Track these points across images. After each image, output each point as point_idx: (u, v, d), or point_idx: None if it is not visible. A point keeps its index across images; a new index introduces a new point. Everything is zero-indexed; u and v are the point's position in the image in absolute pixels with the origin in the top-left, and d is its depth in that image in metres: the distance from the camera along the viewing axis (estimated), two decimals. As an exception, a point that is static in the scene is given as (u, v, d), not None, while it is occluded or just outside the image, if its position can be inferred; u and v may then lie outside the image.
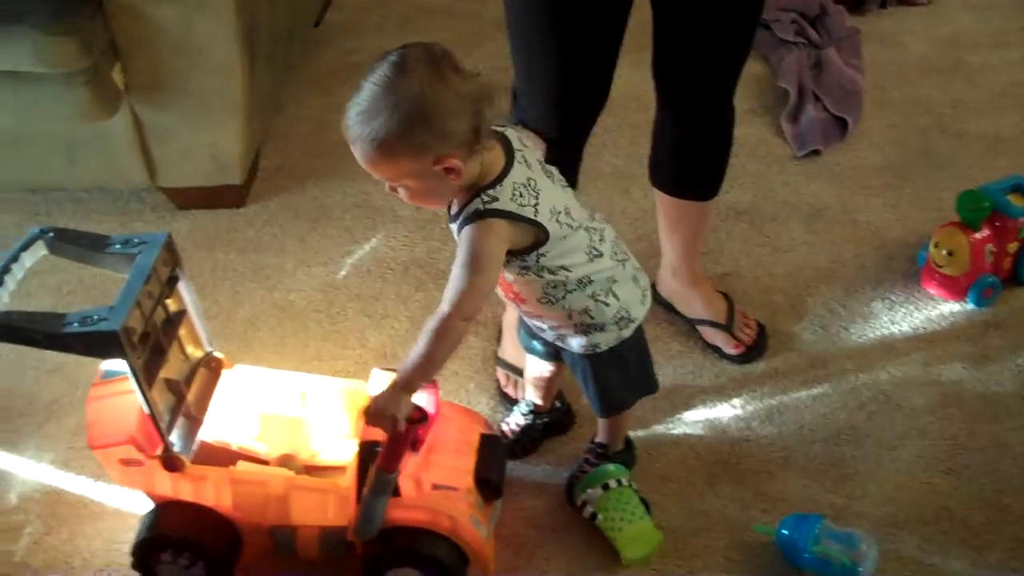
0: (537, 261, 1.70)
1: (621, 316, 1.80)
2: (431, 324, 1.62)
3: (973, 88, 3.16)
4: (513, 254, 1.68)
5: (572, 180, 2.11)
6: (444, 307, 1.61)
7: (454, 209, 1.69)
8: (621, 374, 1.88)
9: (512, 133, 1.71)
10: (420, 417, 1.68)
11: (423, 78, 1.55)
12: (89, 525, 2.01)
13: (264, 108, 2.83)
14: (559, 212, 1.69)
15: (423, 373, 1.65)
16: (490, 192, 1.63)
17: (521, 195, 1.65)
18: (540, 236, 1.66)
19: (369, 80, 1.59)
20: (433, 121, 1.55)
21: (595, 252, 1.75)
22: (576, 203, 1.75)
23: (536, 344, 1.97)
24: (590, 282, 1.74)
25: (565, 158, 1.96)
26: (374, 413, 1.62)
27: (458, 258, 1.63)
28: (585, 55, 1.95)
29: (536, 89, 2.01)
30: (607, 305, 1.77)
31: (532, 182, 1.67)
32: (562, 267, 1.72)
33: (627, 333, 1.82)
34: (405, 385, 1.63)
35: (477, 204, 1.62)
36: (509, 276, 1.74)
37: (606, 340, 1.81)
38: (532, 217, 1.64)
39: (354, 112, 1.59)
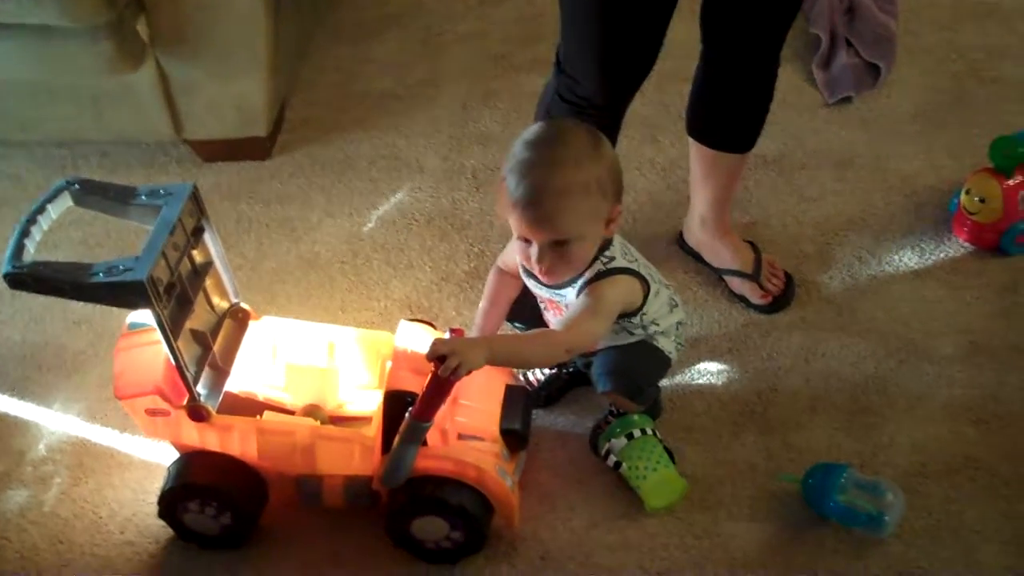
0: (641, 320, 1.94)
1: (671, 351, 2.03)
2: (545, 333, 1.84)
3: (1008, 33, 3.10)
4: (620, 316, 1.89)
5: (612, 142, 2.12)
6: (561, 332, 1.80)
7: (566, 277, 1.87)
8: (646, 364, 1.99)
9: None
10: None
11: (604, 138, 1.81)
12: (116, 475, 2.03)
13: (289, 59, 2.83)
14: (650, 268, 1.95)
15: (510, 357, 1.81)
16: (606, 254, 1.85)
17: (627, 253, 1.90)
18: (646, 291, 1.90)
19: (563, 146, 1.75)
20: (620, 175, 1.81)
21: (673, 303, 2.01)
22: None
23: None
24: (668, 328, 2.00)
25: (609, 123, 2.00)
26: (448, 351, 1.63)
27: (582, 303, 1.82)
28: (638, 22, 1.92)
29: (588, 58, 1.98)
30: (666, 337, 2.01)
31: (625, 244, 1.92)
32: (653, 322, 1.96)
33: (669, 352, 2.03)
34: (491, 352, 1.69)
35: (597, 267, 1.84)
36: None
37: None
38: (639, 272, 1.88)
39: (564, 168, 1.73)
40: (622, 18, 1.90)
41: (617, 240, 1.89)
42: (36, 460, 2.07)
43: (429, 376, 1.67)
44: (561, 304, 1.91)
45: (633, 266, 1.88)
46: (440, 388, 1.68)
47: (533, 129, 1.82)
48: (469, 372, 1.65)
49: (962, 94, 2.88)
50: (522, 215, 1.74)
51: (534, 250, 1.78)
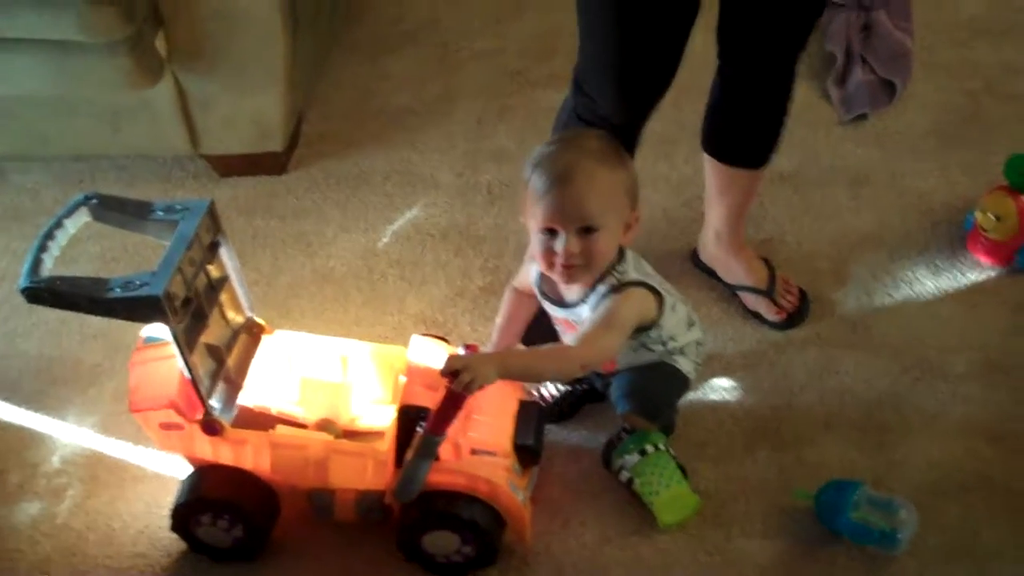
0: (658, 335, 1.94)
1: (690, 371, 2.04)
2: (559, 348, 1.88)
3: (1024, 50, 3.10)
4: (637, 331, 1.89)
5: None
6: (576, 348, 1.79)
7: (575, 296, 1.89)
8: (666, 386, 2.00)
9: None
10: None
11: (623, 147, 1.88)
12: (130, 488, 2.04)
13: (306, 75, 2.84)
14: (664, 284, 1.94)
15: (524, 372, 1.83)
16: (619, 268, 1.86)
17: (640, 267, 1.91)
18: (660, 304, 1.89)
19: (588, 144, 1.82)
20: (637, 184, 1.86)
21: (690, 321, 2.01)
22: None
23: None
24: (688, 344, 2.01)
25: (626, 143, 2.01)
26: (461, 367, 1.64)
27: (597, 318, 1.82)
28: (656, 41, 1.93)
29: (605, 77, 1.99)
30: (685, 357, 2.02)
31: (638, 258, 1.92)
32: (672, 338, 1.97)
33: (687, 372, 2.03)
34: (504, 368, 1.70)
35: (611, 280, 1.85)
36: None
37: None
38: (653, 285, 1.88)
39: (592, 158, 1.78)
40: (640, 37, 1.91)
41: (630, 254, 1.90)
42: (50, 472, 2.07)
43: (443, 391, 1.67)
44: (577, 324, 1.91)
45: (646, 279, 1.88)
46: (454, 403, 1.68)
47: (554, 136, 1.87)
48: (482, 387, 1.66)
49: (978, 111, 2.87)
50: (553, 198, 1.75)
51: (560, 241, 1.78)
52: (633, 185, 1.83)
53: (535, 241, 1.83)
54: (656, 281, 1.91)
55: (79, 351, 2.31)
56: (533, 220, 1.81)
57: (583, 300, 1.87)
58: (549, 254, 1.81)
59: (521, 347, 2.11)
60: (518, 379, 1.92)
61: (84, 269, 2.47)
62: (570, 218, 1.76)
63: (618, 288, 1.84)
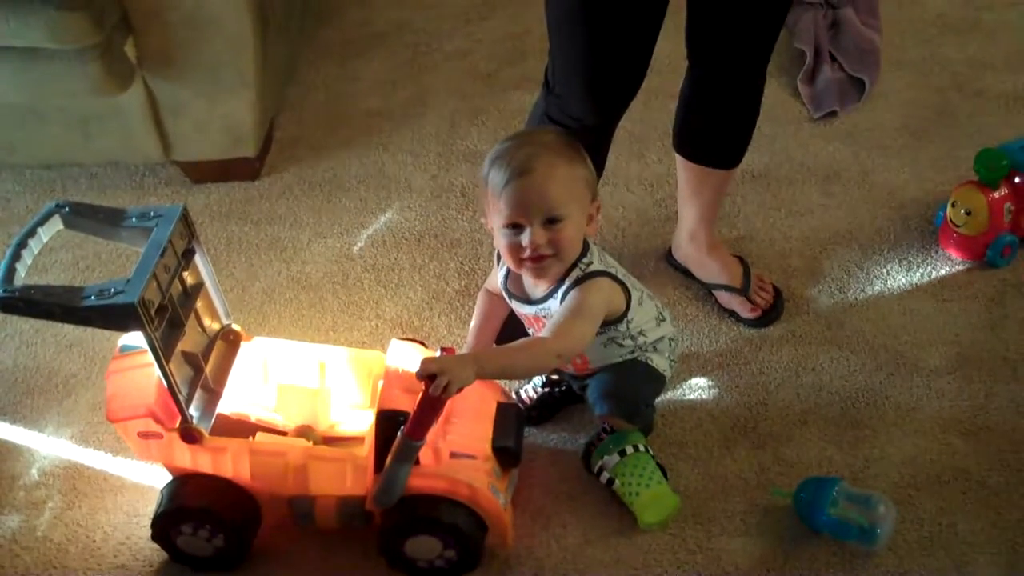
0: (627, 328, 1.94)
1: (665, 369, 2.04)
2: (533, 342, 1.86)
3: (991, 46, 3.13)
4: (606, 324, 1.89)
5: (601, 163, 2.14)
6: (549, 339, 1.79)
7: (542, 292, 1.89)
8: (643, 385, 2.01)
9: None
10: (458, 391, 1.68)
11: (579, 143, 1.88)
12: (109, 499, 2.02)
13: (277, 79, 2.83)
14: (630, 278, 1.94)
15: (500, 370, 1.82)
16: (584, 260, 1.86)
17: (604, 260, 1.91)
18: (627, 296, 1.90)
19: (544, 138, 1.84)
20: (595, 179, 1.89)
21: (661, 317, 2.01)
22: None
23: None
24: (660, 340, 2.01)
25: (598, 143, 2.02)
26: (437, 370, 1.63)
27: (566, 308, 1.83)
28: (625, 41, 1.94)
29: (576, 78, 2.00)
30: (658, 354, 2.02)
31: (602, 252, 1.93)
32: (641, 332, 1.96)
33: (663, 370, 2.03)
34: (480, 367, 1.69)
35: (577, 273, 1.85)
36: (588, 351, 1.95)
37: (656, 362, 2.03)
38: (618, 276, 1.89)
39: (549, 151, 1.79)
40: (609, 37, 1.91)
41: (594, 247, 1.91)
42: (29, 485, 2.06)
43: (420, 395, 1.67)
44: (546, 318, 1.91)
45: (611, 271, 1.89)
46: (432, 406, 1.68)
47: (509, 135, 1.88)
48: (460, 389, 1.66)
49: (946, 107, 2.90)
50: (514, 190, 1.76)
51: (526, 234, 1.78)
52: (591, 178, 1.85)
53: (500, 238, 1.83)
54: (621, 273, 1.92)
55: (54, 361, 2.29)
56: (496, 217, 1.81)
57: (551, 295, 1.88)
58: (516, 249, 1.81)
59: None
60: (495, 377, 1.92)
61: (57, 278, 2.46)
62: (534, 209, 1.77)
63: (583, 279, 1.85)
